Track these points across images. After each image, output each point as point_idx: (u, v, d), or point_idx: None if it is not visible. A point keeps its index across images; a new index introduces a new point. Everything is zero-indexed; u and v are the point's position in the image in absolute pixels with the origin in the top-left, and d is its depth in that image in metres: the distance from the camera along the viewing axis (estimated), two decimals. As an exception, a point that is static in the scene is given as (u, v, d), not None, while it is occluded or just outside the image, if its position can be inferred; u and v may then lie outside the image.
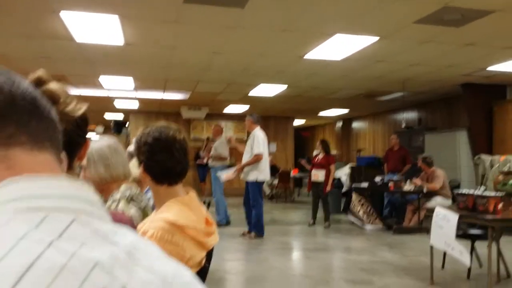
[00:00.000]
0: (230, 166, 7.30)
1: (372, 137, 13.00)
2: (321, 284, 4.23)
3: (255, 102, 10.37)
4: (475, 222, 4.25)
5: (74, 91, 8.76)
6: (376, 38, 5.07)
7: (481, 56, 5.90)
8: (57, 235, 0.38)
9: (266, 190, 11.55)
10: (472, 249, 4.39)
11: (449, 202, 6.52)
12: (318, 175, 7.43)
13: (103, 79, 7.71)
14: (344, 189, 9.46)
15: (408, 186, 6.94)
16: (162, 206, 1.48)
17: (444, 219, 3.88)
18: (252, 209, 6.34)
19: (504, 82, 7.65)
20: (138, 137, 1.52)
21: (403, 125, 9.50)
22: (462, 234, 4.31)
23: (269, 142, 6.96)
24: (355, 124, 14.12)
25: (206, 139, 11.04)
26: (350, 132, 14.44)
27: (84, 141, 0.94)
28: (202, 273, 1.46)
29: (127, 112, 12.59)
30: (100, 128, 14.94)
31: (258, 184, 6.40)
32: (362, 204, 7.69)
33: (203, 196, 10.39)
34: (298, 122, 15.26)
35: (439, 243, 3.96)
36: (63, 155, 0.52)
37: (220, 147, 7.40)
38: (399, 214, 7.58)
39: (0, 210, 0.40)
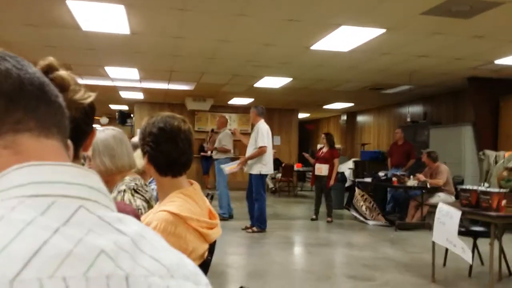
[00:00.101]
0: (234, 159, 7.29)
1: (376, 131, 12.94)
2: (322, 280, 4.23)
3: (259, 94, 10.34)
4: (477, 219, 4.22)
5: (79, 81, 8.76)
6: (383, 30, 5.04)
7: (489, 49, 5.84)
8: (64, 221, 0.38)
9: (269, 183, 11.55)
10: (474, 247, 4.38)
11: (452, 198, 6.48)
12: (321, 169, 7.38)
13: (108, 69, 7.71)
14: (347, 184, 9.45)
15: (411, 182, 6.92)
16: (166, 198, 1.47)
17: (447, 216, 3.86)
18: (255, 203, 6.33)
19: (511, 76, 7.58)
20: (143, 127, 1.51)
21: (408, 119, 9.45)
22: (464, 231, 4.29)
23: (273, 135, 6.93)
24: (360, 118, 14.06)
25: (211, 130, 11.05)
26: (354, 125, 14.38)
27: (91, 130, 0.94)
28: (205, 266, 1.46)
29: (131, 103, 12.61)
30: (105, 119, 14.97)
31: (262, 177, 6.39)
32: (365, 199, 7.67)
33: (206, 189, 10.41)
34: (302, 115, 15.22)
35: (441, 239, 3.94)
36: (69, 142, 0.52)
37: (225, 139, 7.38)
38: (402, 210, 7.57)
39: (8, 196, 0.40)
